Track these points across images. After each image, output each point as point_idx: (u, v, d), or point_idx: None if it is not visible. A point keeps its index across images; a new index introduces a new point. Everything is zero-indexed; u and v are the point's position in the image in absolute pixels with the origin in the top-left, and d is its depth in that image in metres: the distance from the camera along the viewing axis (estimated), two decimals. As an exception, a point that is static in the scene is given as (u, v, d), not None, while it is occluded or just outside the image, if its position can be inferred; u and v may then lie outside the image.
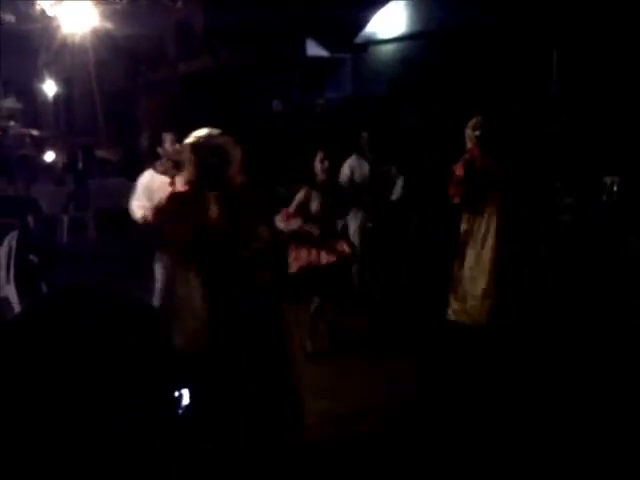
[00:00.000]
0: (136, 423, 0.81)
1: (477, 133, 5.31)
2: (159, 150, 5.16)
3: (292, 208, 5.16)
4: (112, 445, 0.79)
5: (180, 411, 1.07)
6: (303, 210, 5.13)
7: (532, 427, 3.78)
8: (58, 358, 0.73)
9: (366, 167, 6.50)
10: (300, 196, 5.25)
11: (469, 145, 5.37)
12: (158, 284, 4.98)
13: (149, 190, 5.00)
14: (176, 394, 1.05)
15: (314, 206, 5.16)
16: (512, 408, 4.08)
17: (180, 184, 4.10)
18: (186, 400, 1.07)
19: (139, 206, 5.02)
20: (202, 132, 3.45)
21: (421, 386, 4.60)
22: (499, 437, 3.78)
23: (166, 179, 4.97)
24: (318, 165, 5.31)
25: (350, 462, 3.68)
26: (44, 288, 6.28)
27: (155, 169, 5.17)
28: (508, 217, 5.22)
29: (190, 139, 3.43)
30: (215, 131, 3.47)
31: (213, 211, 3.30)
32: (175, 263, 3.54)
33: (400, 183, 6.63)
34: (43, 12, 8.55)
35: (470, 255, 5.34)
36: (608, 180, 6.63)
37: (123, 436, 0.78)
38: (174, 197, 3.45)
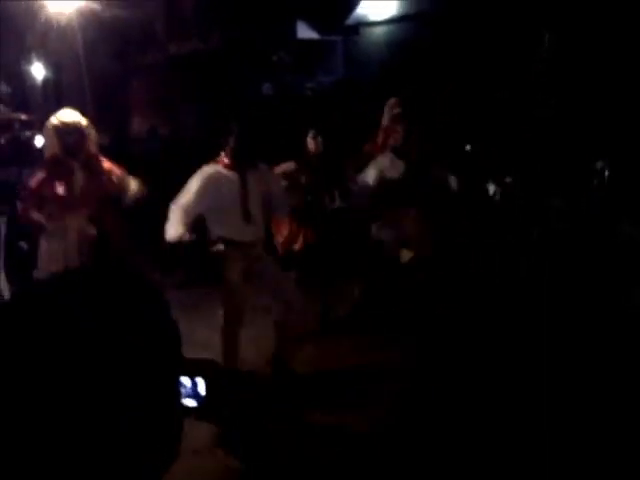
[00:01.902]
0: (136, 419, 0.81)
1: (395, 112, 5.62)
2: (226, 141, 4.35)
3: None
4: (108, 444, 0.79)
5: (196, 402, 1.06)
6: (287, 179, 5.15)
7: (532, 427, 3.78)
8: (51, 347, 0.73)
9: (400, 168, 5.39)
10: (287, 166, 5.26)
11: (386, 123, 5.70)
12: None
13: (217, 189, 4.26)
14: (190, 383, 1.04)
15: (302, 181, 5.18)
16: (508, 395, 4.09)
17: None
18: (202, 390, 1.06)
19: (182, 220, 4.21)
20: (63, 114, 4.30)
21: (413, 371, 4.63)
22: (492, 426, 3.80)
23: (235, 175, 4.28)
24: (311, 141, 5.34)
25: (339, 446, 3.72)
26: (34, 275, 6.24)
27: (222, 163, 4.33)
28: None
29: (52, 121, 4.26)
30: (74, 113, 4.34)
31: (78, 175, 4.26)
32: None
33: (454, 185, 5.42)
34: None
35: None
36: (599, 164, 6.63)
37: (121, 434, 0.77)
38: (46, 166, 4.30)
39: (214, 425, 1.06)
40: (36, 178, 4.31)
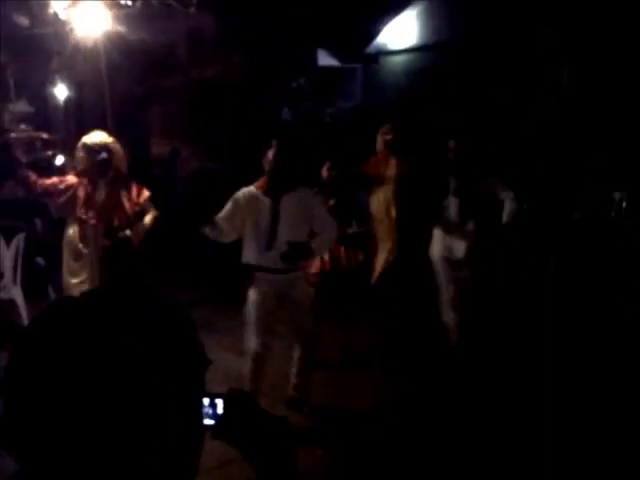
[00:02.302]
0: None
1: (387, 138, 6.10)
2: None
3: None
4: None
5: (213, 421, 1.07)
6: None
7: (540, 443, 3.75)
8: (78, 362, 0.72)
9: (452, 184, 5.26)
10: None
11: (379, 148, 6.20)
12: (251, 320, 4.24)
13: (250, 214, 4.17)
14: (208, 402, 1.04)
15: None
16: (521, 416, 4.05)
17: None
18: (220, 410, 1.07)
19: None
20: (93, 135, 4.72)
21: (430, 398, 4.59)
22: (506, 448, 3.76)
23: (268, 200, 4.11)
24: (325, 173, 5.46)
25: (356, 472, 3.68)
26: (50, 291, 6.29)
27: (259, 186, 4.23)
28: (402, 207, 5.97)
29: (84, 140, 4.70)
30: (103, 134, 4.74)
31: (101, 193, 4.66)
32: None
33: (510, 205, 5.10)
34: (56, 16, 8.57)
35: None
36: (617, 196, 6.59)
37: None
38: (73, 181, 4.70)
39: (229, 444, 1.06)
40: (69, 178, 4.77)
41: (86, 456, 0.77)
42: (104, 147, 4.68)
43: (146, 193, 4.85)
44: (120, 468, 0.79)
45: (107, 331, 0.80)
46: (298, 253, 4.04)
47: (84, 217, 4.68)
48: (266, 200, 4.15)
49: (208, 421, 1.10)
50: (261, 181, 4.22)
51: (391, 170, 6.24)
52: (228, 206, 4.20)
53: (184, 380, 0.81)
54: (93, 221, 4.67)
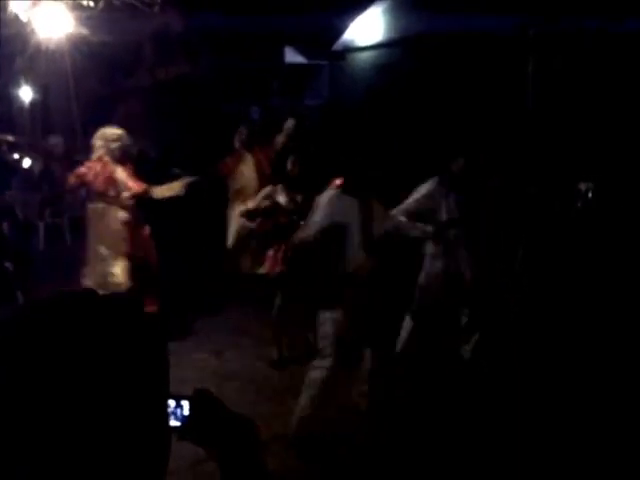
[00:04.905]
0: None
1: (243, 137, 6.70)
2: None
3: (255, 200, 5.43)
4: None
5: (179, 423, 1.08)
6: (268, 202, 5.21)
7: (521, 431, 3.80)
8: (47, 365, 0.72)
9: (453, 201, 4.93)
10: (265, 190, 5.41)
11: (237, 146, 6.84)
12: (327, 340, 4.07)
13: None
14: (174, 404, 1.05)
15: (281, 199, 5.13)
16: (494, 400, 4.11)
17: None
18: (186, 411, 1.08)
19: None
20: (108, 129, 5.70)
21: (401, 387, 4.64)
22: (484, 437, 3.81)
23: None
24: (289, 165, 5.43)
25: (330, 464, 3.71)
26: (19, 296, 6.21)
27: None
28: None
29: (103, 131, 5.67)
30: (115, 128, 5.76)
31: (118, 172, 5.63)
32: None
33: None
34: (17, 17, 8.44)
35: None
36: (583, 186, 6.70)
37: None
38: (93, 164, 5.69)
39: (196, 445, 1.07)
40: (82, 170, 5.74)
41: (55, 463, 0.78)
42: (119, 137, 5.69)
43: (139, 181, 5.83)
44: (90, 474, 0.80)
45: (70, 337, 0.81)
46: None
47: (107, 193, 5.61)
48: (354, 201, 3.92)
49: (174, 422, 1.11)
50: (340, 182, 3.96)
51: (247, 166, 6.80)
52: (323, 212, 3.93)
53: (146, 381, 0.82)
54: (113, 194, 5.62)
